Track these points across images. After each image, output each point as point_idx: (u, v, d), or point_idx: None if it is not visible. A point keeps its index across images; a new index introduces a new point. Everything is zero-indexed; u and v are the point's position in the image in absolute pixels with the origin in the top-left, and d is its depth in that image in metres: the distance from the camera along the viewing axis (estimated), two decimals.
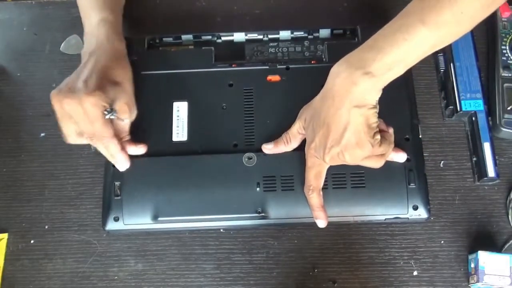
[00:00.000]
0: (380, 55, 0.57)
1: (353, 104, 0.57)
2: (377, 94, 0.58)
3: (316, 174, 0.63)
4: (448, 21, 0.54)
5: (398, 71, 0.58)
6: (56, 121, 0.63)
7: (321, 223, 0.65)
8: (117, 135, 0.65)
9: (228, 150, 0.67)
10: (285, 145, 0.66)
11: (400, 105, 0.68)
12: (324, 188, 0.65)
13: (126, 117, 0.65)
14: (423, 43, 0.56)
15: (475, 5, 0.54)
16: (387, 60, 0.56)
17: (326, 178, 0.64)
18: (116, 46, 0.68)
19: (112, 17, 0.69)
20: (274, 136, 0.67)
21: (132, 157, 0.66)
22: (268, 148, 0.66)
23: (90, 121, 0.61)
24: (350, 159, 0.60)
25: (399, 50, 0.56)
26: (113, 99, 0.63)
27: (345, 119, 0.58)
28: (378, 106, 0.59)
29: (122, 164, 0.66)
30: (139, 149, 0.67)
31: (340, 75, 0.58)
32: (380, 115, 0.66)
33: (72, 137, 0.64)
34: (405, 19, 0.57)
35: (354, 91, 0.57)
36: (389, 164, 0.64)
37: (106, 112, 0.62)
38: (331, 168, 0.65)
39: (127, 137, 0.67)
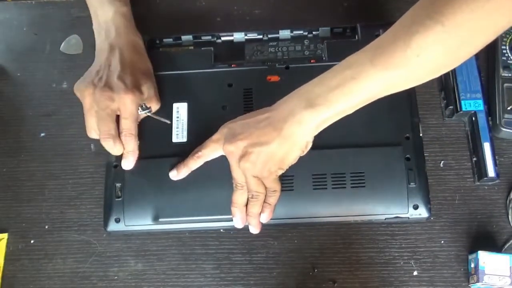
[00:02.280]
0: (326, 90, 0.56)
1: (288, 131, 0.58)
2: (312, 131, 0.58)
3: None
4: (399, 64, 0.51)
5: (341, 110, 0.56)
6: (82, 114, 0.65)
7: (239, 224, 0.65)
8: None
9: None
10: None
11: (400, 103, 0.68)
12: (324, 188, 0.65)
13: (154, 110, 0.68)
14: (371, 84, 0.54)
15: (436, 50, 0.49)
16: (332, 97, 0.55)
17: (325, 178, 0.64)
18: (136, 38, 0.70)
19: (126, 9, 0.71)
20: None
21: None
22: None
23: (124, 118, 0.64)
24: (255, 160, 0.60)
25: (345, 89, 0.55)
26: (145, 94, 0.66)
27: (275, 136, 0.59)
28: (307, 148, 0.60)
29: (132, 162, 0.66)
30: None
31: (286, 102, 0.59)
32: (381, 114, 0.66)
33: (95, 131, 0.65)
34: (359, 56, 0.55)
35: (292, 120, 0.58)
36: (389, 164, 0.64)
37: (140, 109, 0.65)
38: (330, 168, 0.65)
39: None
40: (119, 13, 0.69)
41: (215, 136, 0.64)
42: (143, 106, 0.66)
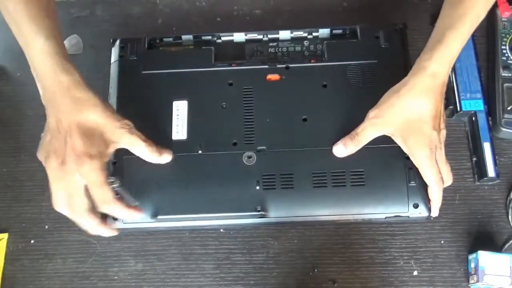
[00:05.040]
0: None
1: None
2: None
3: None
4: None
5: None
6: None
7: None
8: None
9: (227, 148, 0.67)
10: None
11: None
12: (323, 186, 0.65)
13: (142, 152, 0.62)
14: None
15: None
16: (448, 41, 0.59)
17: (325, 176, 0.65)
18: (69, 83, 0.58)
19: (54, 41, 0.59)
20: (273, 135, 0.67)
21: (131, 156, 0.66)
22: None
23: (96, 188, 0.58)
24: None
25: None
26: (108, 145, 0.59)
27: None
28: None
29: (136, 215, 0.62)
30: (165, 157, 0.65)
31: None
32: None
33: (61, 205, 0.58)
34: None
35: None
36: (389, 163, 0.64)
37: (112, 184, 0.60)
38: (331, 167, 0.65)
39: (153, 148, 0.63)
40: (47, 51, 0.58)
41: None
42: (111, 181, 0.60)
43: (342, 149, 0.64)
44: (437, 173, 0.62)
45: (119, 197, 0.61)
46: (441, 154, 0.62)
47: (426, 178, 0.62)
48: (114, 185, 0.60)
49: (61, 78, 0.58)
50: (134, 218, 0.63)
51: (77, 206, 0.58)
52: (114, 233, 0.64)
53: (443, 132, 0.62)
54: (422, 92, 0.59)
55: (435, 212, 0.65)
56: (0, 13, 0.61)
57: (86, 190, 0.58)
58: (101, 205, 0.59)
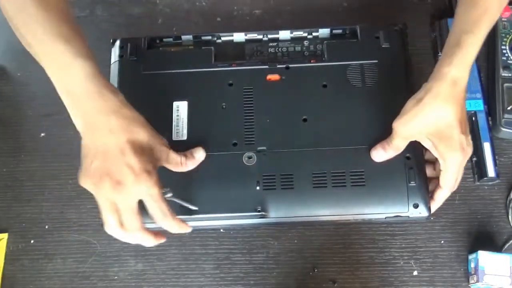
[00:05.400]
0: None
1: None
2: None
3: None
4: None
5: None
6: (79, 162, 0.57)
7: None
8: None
9: (227, 149, 0.67)
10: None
11: (401, 103, 0.68)
12: (323, 186, 0.65)
13: (181, 165, 0.62)
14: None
15: None
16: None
17: (325, 176, 0.65)
18: (117, 103, 0.57)
19: (92, 62, 0.56)
20: (274, 135, 0.67)
21: None
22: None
23: (154, 203, 0.57)
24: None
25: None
26: (157, 161, 0.59)
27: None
28: None
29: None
30: (200, 154, 0.65)
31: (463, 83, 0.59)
32: (382, 113, 0.66)
33: (115, 228, 0.57)
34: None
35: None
36: (389, 163, 0.64)
37: (165, 195, 0.60)
38: (331, 167, 0.65)
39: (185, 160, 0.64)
40: (89, 74, 0.55)
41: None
42: (164, 191, 0.60)
43: (382, 153, 0.64)
44: (457, 180, 0.62)
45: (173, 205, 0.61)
46: (465, 162, 0.62)
47: (445, 181, 0.62)
48: (167, 195, 0.60)
49: (108, 99, 0.56)
50: (183, 231, 0.62)
51: (131, 225, 0.57)
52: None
53: (470, 139, 0.61)
54: (446, 99, 0.58)
55: (433, 210, 0.65)
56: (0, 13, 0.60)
57: (138, 208, 0.57)
58: (160, 219, 0.58)
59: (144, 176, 0.56)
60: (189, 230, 0.62)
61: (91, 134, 0.56)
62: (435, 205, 0.64)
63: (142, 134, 0.57)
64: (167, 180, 0.63)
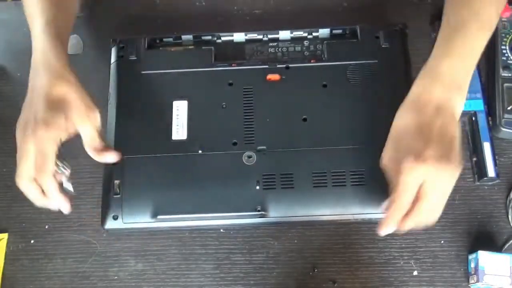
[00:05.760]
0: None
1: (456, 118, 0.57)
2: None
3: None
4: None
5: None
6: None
7: None
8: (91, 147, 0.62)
9: (227, 148, 0.67)
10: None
11: (401, 103, 0.68)
12: (323, 186, 0.65)
13: (86, 127, 0.61)
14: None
15: None
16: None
17: (326, 176, 0.65)
18: (52, 61, 0.61)
19: (54, 21, 0.63)
20: (273, 134, 0.67)
21: (132, 156, 0.67)
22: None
23: (40, 157, 0.59)
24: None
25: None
26: (68, 123, 0.60)
27: (458, 133, 0.56)
28: None
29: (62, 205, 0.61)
30: (111, 156, 0.63)
31: (433, 92, 0.57)
32: (381, 112, 0.66)
33: (24, 179, 0.60)
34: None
35: (455, 108, 0.57)
36: None
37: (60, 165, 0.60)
38: (331, 166, 0.65)
39: (100, 144, 0.63)
40: (45, 30, 0.62)
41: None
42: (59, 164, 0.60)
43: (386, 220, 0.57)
44: (406, 194, 0.55)
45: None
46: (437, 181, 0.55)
47: (392, 199, 0.56)
48: (63, 168, 0.61)
49: (49, 52, 0.61)
50: (53, 206, 0.62)
51: (25, 172, 0.59)
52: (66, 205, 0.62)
53: (451, 154, 0.54)
54: (407, 105, 0.58)
55: (381, 232, 0.58)
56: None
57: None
58: (38, 172, 0.59)
59: (42, 127, 0.58)
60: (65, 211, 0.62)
61: (30, 81, 0.62)
62: (383, 227, 0.57)
63: (64, 90, 0.60)
64: (162, 177, 0.63)
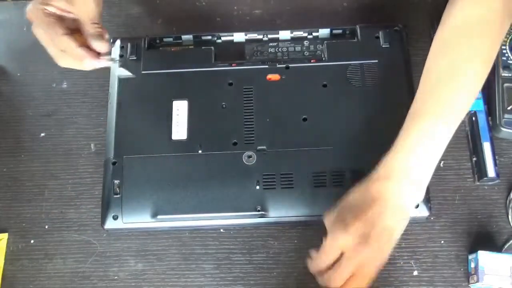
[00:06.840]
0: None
1: (401, 215, 0.58)
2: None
3: None
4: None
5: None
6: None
7: None
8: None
9: (227, 148, 0.67)
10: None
11: (401, 103, 0.68)
12: (323, 186, 0.65)
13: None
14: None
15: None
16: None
17: (324, 176, 0.65)
18: None
19: None
20: (273, 134, 0.67)
21: (132, 156, 0.67)
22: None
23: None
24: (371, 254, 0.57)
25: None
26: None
27: (392, 225, 0.57)
28: None
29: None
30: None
31: (386, 184, 0.58)
32: (382, 113, 0.66)
33: (60, 56, 0.60)
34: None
35: (402, 200, 0.58)
36: None
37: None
38: (331, 166, 0.65)
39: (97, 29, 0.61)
40: None
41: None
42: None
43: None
44: (324, 255, 0.58)
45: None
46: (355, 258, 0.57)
47: (315, 257, 0.59)
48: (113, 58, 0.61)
49: None
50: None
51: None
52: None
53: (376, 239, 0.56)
54: (364, 183, 0.58)
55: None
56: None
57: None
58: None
59: None
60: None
61: None
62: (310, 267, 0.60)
63: None
64: (162, 177, 0.64)
